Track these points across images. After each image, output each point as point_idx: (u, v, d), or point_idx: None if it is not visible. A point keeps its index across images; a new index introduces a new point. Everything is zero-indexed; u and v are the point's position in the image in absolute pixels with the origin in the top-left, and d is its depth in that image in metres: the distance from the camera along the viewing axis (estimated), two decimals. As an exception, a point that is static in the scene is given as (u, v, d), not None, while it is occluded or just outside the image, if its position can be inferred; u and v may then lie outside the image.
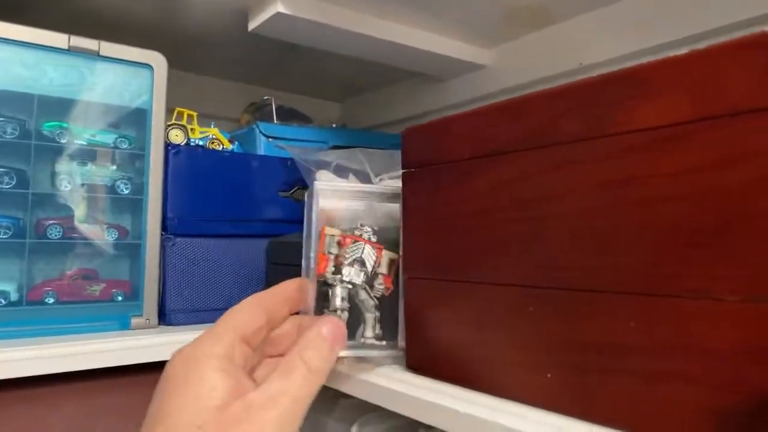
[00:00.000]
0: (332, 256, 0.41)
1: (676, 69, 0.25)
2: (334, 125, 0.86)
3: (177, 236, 0.62)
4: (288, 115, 0.83)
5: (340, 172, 0.68)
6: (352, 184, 0.56)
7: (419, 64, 0.80)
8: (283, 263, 0.65)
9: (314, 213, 0.43)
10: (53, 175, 0.56)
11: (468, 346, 0.35)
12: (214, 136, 0.69)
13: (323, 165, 0.68)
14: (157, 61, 0.61)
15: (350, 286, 0.41)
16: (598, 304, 0.28)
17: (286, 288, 0.42)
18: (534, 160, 0.30)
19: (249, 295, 0.66)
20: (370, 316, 0.40)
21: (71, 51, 0.56)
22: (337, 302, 0.40)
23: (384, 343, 0.41)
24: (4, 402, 0.49)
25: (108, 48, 0.58)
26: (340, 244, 0.41)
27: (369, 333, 0.40)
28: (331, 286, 0.41)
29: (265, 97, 0.82)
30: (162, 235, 0.61)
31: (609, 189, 0.27)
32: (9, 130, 0.54)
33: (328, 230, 0.42)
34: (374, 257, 0.41)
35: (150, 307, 0.60)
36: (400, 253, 0.41)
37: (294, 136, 0.75)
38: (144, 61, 0.60)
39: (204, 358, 0.33)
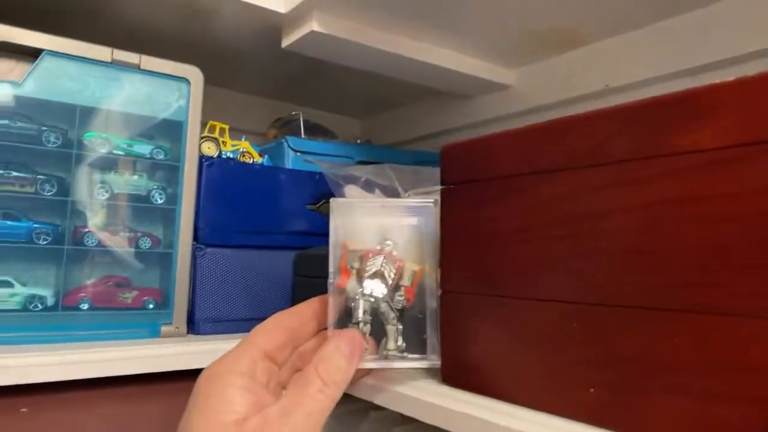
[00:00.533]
0: (354, 270, 0.42)
1: (729, 94, 0.26)
2: (358, 141, 0.87)
3: (208, 246, 0.63)
4: (314, 130, 0.85)
5: (369, 187, 0.69)
6: (368, 199, 0.57)
7: (444, 82, 0.81)
8: (309, 275, 0.66)
9: (333, 227, 0.44)
10: (91, 184, 0.58)
11: (508, 361, 0.36)
12: (244, 150, 0.70)
13: (352, 180, 0.69)
14: (194, 75, 0.63)
15: (372, 299, 0.41)
16: (644, 320, 0.29)
17: (312, 304, 0.43)
18: (583, 179, 0.31)
19: (275, 307, 0.68)
20: (392, 329, 0.41)
21: (114, 64, 0.58)
22: (359, 315, 0.41)
23: (406, 355, 0.41)
24: (41, 405, 0.49)
25: (148, 62, 0.60)
26: (362, 258, 0.42)
27: (391, 345, 0.41)
28: (355, 299, 0.41)
29: (293, 113, 0.83)
30: (193, 244, 0.62)
31: (661, 208, 0.28)
32: (52, 139, 0.55)
33: (350, 245, 0.43)
34: (393, 270, 0.41)
35: (179, 315, 0.61)
36: (424, 265, 0.42)
37: (321, 150, 0.77)
38: (181, 75, 0.62)
39: (225, 375, 0.35)
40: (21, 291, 0.54)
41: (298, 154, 0.75)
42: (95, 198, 0.58)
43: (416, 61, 0.73)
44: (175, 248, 0.61)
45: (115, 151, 0.59)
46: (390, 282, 0.41)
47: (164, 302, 0.61)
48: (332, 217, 0.44)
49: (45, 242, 0.55)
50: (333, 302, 0.41)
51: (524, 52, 0.76)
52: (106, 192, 0.58)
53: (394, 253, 0.42)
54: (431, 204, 0.43)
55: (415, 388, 0.41)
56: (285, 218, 0.69)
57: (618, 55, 0.70)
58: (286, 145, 0.74)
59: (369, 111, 1.11)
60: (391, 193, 0.70)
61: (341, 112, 1.11)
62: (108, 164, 0.59)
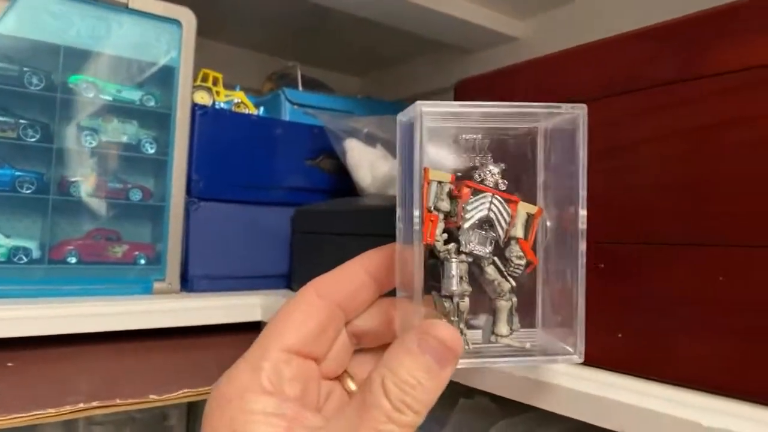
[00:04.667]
0: (441, 215, 0.27)
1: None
2: (358, 96, 0.84)
3: (201, 200, 0.60)
4: (311, 84, 0.81)
5: (371, 140, 0.66)
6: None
7: (447, 32, 0.78)
8: (309, 232, 0.63)
9: (417, 146, 0.26)
10: (78, 130, 0.54)
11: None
12: (239, 100, 0.67)
13: (353, 132, 0.66)
14: (187, 17, 0.59)
15: (470, 260, 0.28)
16: (681, 258, 0.26)
17: (366, 261, 0.29)
18: (617, 107, 0.28)
19: (272, 265, 0.65)
20: (505, 306, 0.27)
21: (99, 2, 0.54)
22: (453, 285, 0.27)
23: (527, 345, 0.27)
24: (28, 360, 0.47)
25: (136, 0, 0.56)
26: (452, 196, 0.28)
27: (503, 329, 0.27)
28: (443, 260, 0.27)
29: (290, 64, 0.80)
30: (186, 198, 0.59)
31: (706, 133, 0.25)
32: (35, 82, 0.52)
33: (434, 174, 0.27)
34: (508, 215, 0.27)
35: (172, 271, 0.59)
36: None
37: (319, 104, 0.73)
38: (172, 17, 0.58)
39: (243, 398, 0.25)
40: (4, 242, 0.51)
41: (296, 107, 0.71)
42: (82, 146, 0.55)
43: (420, 7, 0.69)
44: (167, 201, 0.58)
45: (102, 96, 0.55)
46: (502, 234, 0.27)
47: (156, 258, 0.59)
48: (414, 131, 0.27)
49: (29, 191, 0.52)
50: (418, 262, 0.26)
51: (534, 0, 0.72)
52: (93, 140, 0.55)
53: (502, 186, 0.28)
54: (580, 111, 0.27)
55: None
56: (282, 173, 0.66)
57: (637, 1, 0.67)
58: (283, 97, 0.71)
59: (368, 67, 1.07)
60: (394, 148, 0.67)
61: (340, 70, 1.07)
62: (95, 110, 0.55)
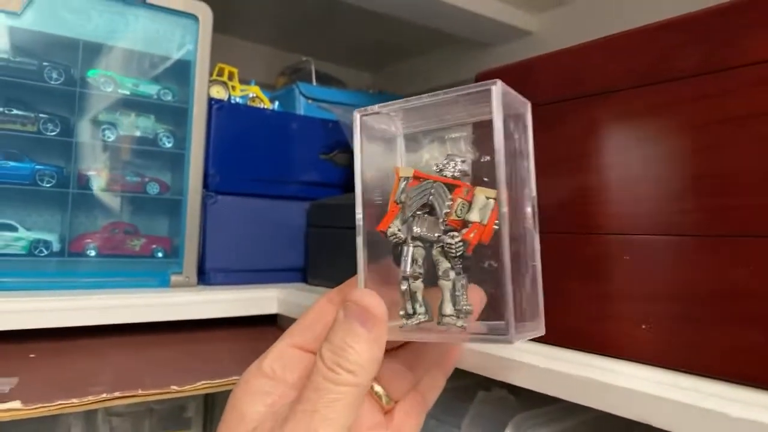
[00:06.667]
0: (402, 205, 0.30)
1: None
2: (371, 91, 0.84)
3: (218, 194, 0.61)
4: (324, 79, 0.81)
5: (386, 133, 0.66)
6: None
7: (460, 26, 0.78)
8: (324, 226, 0.63)
9: (357, 148, 0.30)
10: (96, 124, 0.55)
11: (546, 300, 0.34)
12: (254, 95, 0.67)
13: (368, 126, 0.66)
14: (203, 11, 0.59)
15: (427, 245, 0.30)
16: (707, 249, 0.26)
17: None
18: (641, 99, 0.28)
19: (288, 258, 0.65)
20: (446, 285, 0.29)
21: (117, -4, 0.55)
22: (407, 267, 0.30)
23: (461, 324, 0.29)
24: (49, 352, 0.48)
25: (154, -4, 0.56)
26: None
27: (447, 309, 0.29)
28: (399, 245, 0.30)
29: (304, 59, 0.80)
30: (203, 192, 0.60)
31: (733, 125, 0.25)
32: (54, 76, 0.52)
33: (403, 171, 0.30)
34: (447, 199, 0.29)
35: (190, 265, 0.59)
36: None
37: (334, 98, 0.73)
38: (189, 11, 0.58)
39: (248, 381, 0.30)
40: (26, 235, 0.52)
41: (310, 101, 0.71)
42: (101, 140, 0.55)
43: (433, 0, 0.69)
44: (184, 195, 0.59)
45: (120, 91, 0.56)
46: (442, 218, 0.29)
47: (174, 251, 0.59)
48: (356, 131, 0.32)
49: (49, 185, 0.52)
50: (362, 252, 0.30)
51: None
52: (112, 134, 0.55)
53: (458, 174, 0.30)
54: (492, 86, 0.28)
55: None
56: (297, 167, 0.66)
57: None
58: (297, 91, 0.71)
59: (380, 62, 1.07)
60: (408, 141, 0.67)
61: (351, 65, 1.07)
62: (113, 104, 0.56)
